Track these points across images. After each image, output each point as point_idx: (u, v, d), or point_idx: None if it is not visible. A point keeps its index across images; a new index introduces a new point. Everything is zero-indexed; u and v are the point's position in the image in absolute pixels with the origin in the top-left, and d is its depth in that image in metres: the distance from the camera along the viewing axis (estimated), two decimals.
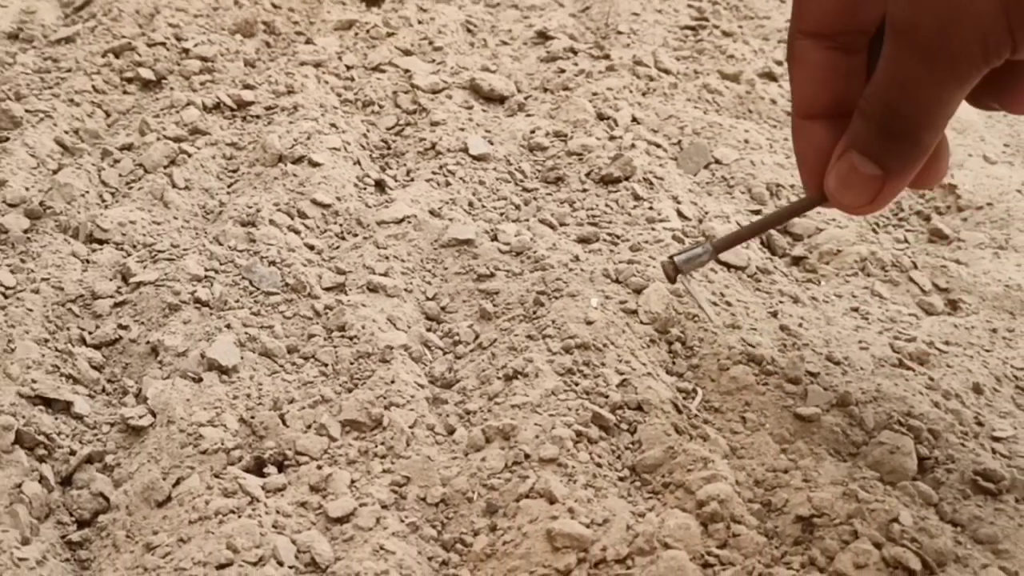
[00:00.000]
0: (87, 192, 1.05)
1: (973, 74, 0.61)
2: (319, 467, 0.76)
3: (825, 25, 0.66)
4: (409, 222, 1.01)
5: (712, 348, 0.87)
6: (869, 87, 0.64)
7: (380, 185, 1.10)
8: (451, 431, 0.80)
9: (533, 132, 1.17)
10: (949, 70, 0.60)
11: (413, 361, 0.86)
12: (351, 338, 0.87)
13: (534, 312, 0.90)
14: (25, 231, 0.99)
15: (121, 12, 1.37)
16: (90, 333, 0.90)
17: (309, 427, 0.79)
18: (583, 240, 1.00)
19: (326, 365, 0.85)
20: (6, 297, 0.90)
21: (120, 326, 0.90)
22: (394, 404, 0.80)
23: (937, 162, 0.70)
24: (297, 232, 1.00)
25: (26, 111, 1.17)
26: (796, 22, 0.68)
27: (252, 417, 0.79)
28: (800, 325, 0.91)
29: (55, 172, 1.08)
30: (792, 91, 0.70)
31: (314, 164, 1.08)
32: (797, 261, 1.02)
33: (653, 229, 1.00)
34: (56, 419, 0.81)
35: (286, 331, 0.89)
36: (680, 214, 1.03)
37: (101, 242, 0.99)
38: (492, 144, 1.15)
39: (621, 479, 0.75)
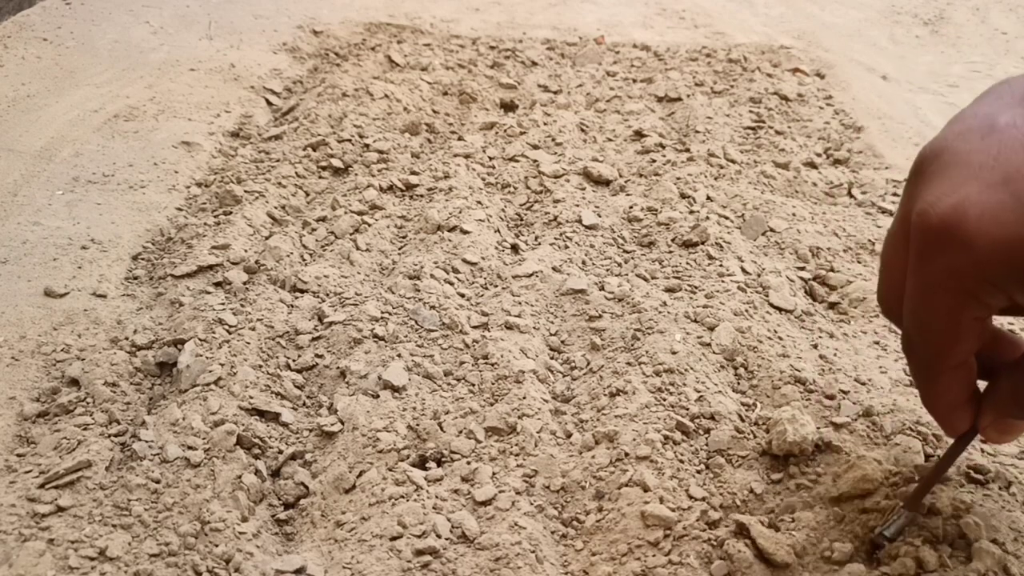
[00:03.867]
0: (291, 253, 1.06)
1: None
2: (468, 463, 0.77)
3: (970, 355, 0.60)
4: (537, 276, 1.02)
5: (768, 372, 0.86)
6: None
7: (515, 248, 1.11)
8: (569, 435, 0.80)
9: (631, 208, 1.17)
10: None
11: (540, 382, 0.87)
12: (492, 364, 0.87)
13: (632, 345, 0.90)
14: (244, 283, 1.00)
15: (317, 116, 1.39)
16: (294, 360, 0.91)
17: (460, 432, 0.80)
18: (669, 290, 1.00)
19: (473, 385, 0.86)
20: (230, 333, 0.91)
21: (316, 355, 0.91)
22: (525, 415, 0.81)
23: None
24: (451, 284, 1.00)
25: (245, 191, 1.19)
26: (946, 362, 0.60)
27: (417, 424, 0.80)
28: (835, 355, 0.90)
29: (267, 238, 1.10)
30: (940, 398, 0.63)
31: (464, 232, 1.08)
32: (832, 306, 1.00)
33: (723, 281, 1.00)
34: (268, 426, 0.82)
35: (443, 359, 0.89)
36: (743, 270, 1.03)
37: (302, 291, 0.99)
38: (600, 217, 1.15)
39: (698, 471, 0.75)
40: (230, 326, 0.92)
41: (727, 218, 1.14)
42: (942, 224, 0.54)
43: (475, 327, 0.94)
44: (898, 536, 0.67)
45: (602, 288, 1.00)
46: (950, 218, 0.53)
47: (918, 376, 0.63)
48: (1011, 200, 0.52)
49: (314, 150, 1.31)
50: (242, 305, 0.97)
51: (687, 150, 1.34)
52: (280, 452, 0.80)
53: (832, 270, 1.05)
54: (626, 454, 0.75)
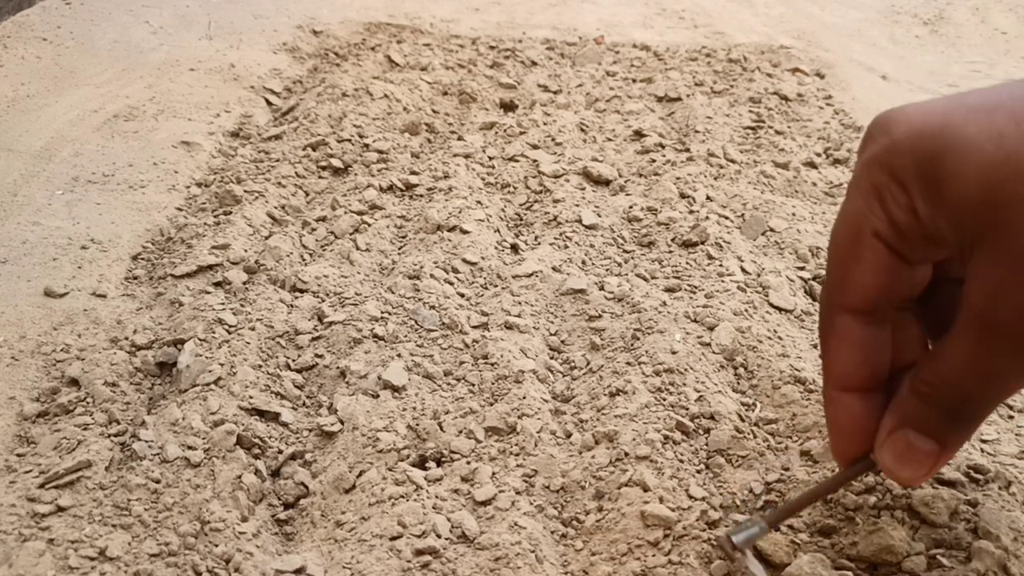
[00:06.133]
0: (291, 253, 1.06)
1: None
2: (468, 463, 0.76)
3: (867, 301, 0.54)
4: (537, 276, 1.02)
5: (768, 372, 0.86)
6: (936, 374, 0.52)
7: (514, 248, 1.11)
8: (568, 435, 0.80)
9: (631, 207, 1.17)
10: None
11: (540, 382, 0.86)
12: (492, 364, 0.87)
13: (632, 344, 0.90)
14: (244, 283, 1.00)
15: (317, 116, 1.39)
16: (293, 360, 0.91)
17: (460, 432, 0.80)
18: (669, 290, 1.01)
19: (473, 385, 0.86)
20: (229, 333, 0.91)
21: (316, 355, 0.91)
22: (525, 415, 0.81)
23: None
24: (451, 283, 1.00)
25: (244, 191, 1.19)
26: (838, 297, 0.55)
27: (417, 424, 0.80)
28: None
29: (267, 238, 1.10)
30: (828, 364, 0.57)
31: (464, 232, 1.08)
32: None
33: (722, 281, 1.00)
34: (268, 426, 0.82)
35: (443, 359, 0.89)
36: (743, 270, 1.03)
37: (302, 291, 0.99)
38: (600, 216, 1.15)
39: (698, 471, 0.75)
40: (230, 326, 0.92)
41: (727, 218, 1.14)
42: (882, 118, 0.52)
43: (475, 327, 0.94)
44: (745, 544, 0.63)
45: (602, 288, 1.00)
46: (891, 113, 0.51)
47: (820, 327, 0.57)
48: (949, 101, 0.50)
49: (314, 150, 1.31)
50: (242, 305, 0.97)
51: (687, 150, 1.34)
52: (280, 452, 0.80)
53: None
54: (626, 454, 0.75)
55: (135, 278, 1.03)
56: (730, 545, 0.62)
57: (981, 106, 0.48)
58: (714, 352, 0.89)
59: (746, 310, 0.95)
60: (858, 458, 0.58)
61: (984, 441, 0.79)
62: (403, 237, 1.13)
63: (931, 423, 0.53)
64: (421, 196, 1.21)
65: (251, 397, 0.83)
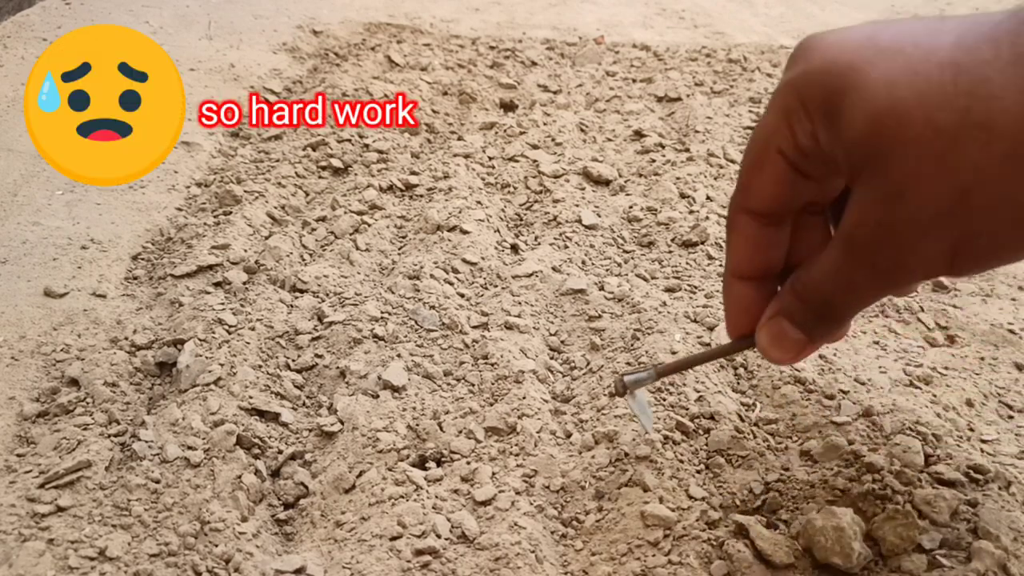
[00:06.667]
0: (291, 253, 1.06)
1: (909, 290, 0.60)
2: (468, 463, 0.76)
3: (765, 206, 0.59)
4: (537, 276, 1.02)
5: (767, 372, 0.86)
6: (809, 276, 0.57)
7: (514, 248, 1.11)
8: (568, 435, 0.80)
9: (631, 208, 1.17)
10: (892, 286, 0.55)
11: (539, 382, 0.86)
12: (492, 364, 0.87)
13: (632, 345, 0.90)
14: (244, 283, 1.00)
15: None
16: (293, 360, 0.90)
17: (460, 432, 0.80)
18: (669, 290, 1.01)
19: (473, 385, 0.86)
20: (229, 333, 0.91)
21: (316, 355, 0.91)
22: (525, 415, 0.81)
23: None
24: (451, 284, 1.00)
25: (245, 191, 1.19)
26: (741, 199, 0.60)
27: (417, 424, 0.80)
28: (834, 354, 0.90)
29: (267, 238, 1.10)
30: (727, 254, 0.63)
31: (464, 232, 1.08)
32: None
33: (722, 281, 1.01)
34: (267, 426, 0.82)
35: (443, 359, 0.89)
36: None
37: (302, 291, 0.99)
38: (600, 217, 1.15)
39: (698, 471, 0.75)
40: (230, 326, 0.92)
41: (727, 218, 1.14)
42: (806, 42, 0.55)
43: (475, 327, 0.94)
44: (633, 386, 0.69)
45: (602, 288, 1.00)
46: (813, 40, 0.55)
47: (726, 222, 0.63)
48: (869, 34, 0.52)
49: (314, 150, 1.31)
50: (242, 305, 0.96)
51: (687, 150, 1.34)
52: (280, 452, 0.80)
53: None
54: (626, 454, 0.75)
55: (135, 278, 1.03)
56: (622, 385, 0.69)
57: (889, 48, 0.51)
58: None
59: None
60: (744, 336, 0.64)
61: (984, 441, 0.79)
62: (403, 237, 1.13)
63: (801, 318, 0.59)
64: (421, 196, 1.21)
65: (251, 397, 0.83)
